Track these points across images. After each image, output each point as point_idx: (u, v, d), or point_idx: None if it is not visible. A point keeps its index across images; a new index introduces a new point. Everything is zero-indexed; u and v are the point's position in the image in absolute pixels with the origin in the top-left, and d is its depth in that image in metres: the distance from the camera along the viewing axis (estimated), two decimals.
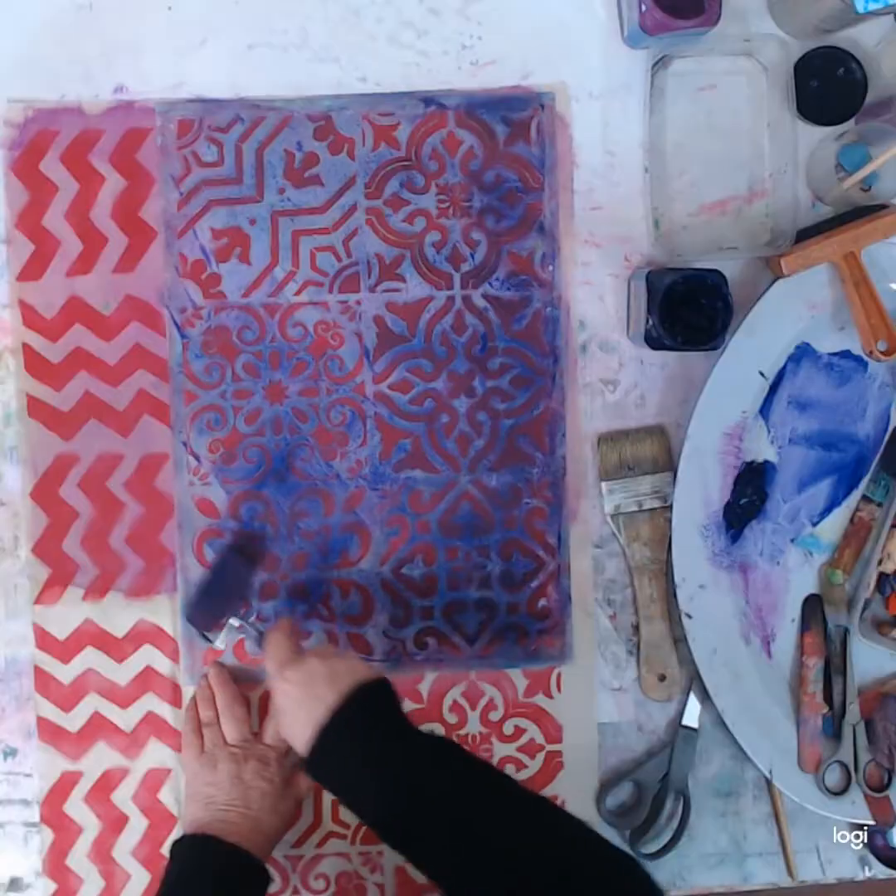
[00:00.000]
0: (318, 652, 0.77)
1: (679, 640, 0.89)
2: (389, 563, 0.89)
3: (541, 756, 0.89)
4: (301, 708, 0.73)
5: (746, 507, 0.89)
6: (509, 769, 0.89)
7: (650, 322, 0.83)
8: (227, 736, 0.85)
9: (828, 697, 0.89)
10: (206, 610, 0.85)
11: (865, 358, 0.87)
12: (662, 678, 0.89)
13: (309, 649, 0.78)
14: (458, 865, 0.66)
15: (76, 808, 0.88)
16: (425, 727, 0.77)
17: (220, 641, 0.85)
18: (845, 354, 0.88)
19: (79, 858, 0.88)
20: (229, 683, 0.87)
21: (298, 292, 0.88)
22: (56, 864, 0.88)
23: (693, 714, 0.89)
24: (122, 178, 0.87)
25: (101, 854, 0.88)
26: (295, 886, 0.89)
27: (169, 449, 0.88)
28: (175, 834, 0.85)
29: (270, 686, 0.79)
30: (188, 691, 0.88)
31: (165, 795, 0.88)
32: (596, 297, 0.89)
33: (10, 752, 0.88)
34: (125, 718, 0.88)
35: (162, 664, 0.88)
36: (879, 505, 0.89)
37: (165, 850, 0.87)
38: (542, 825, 0.68)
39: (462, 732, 0.89)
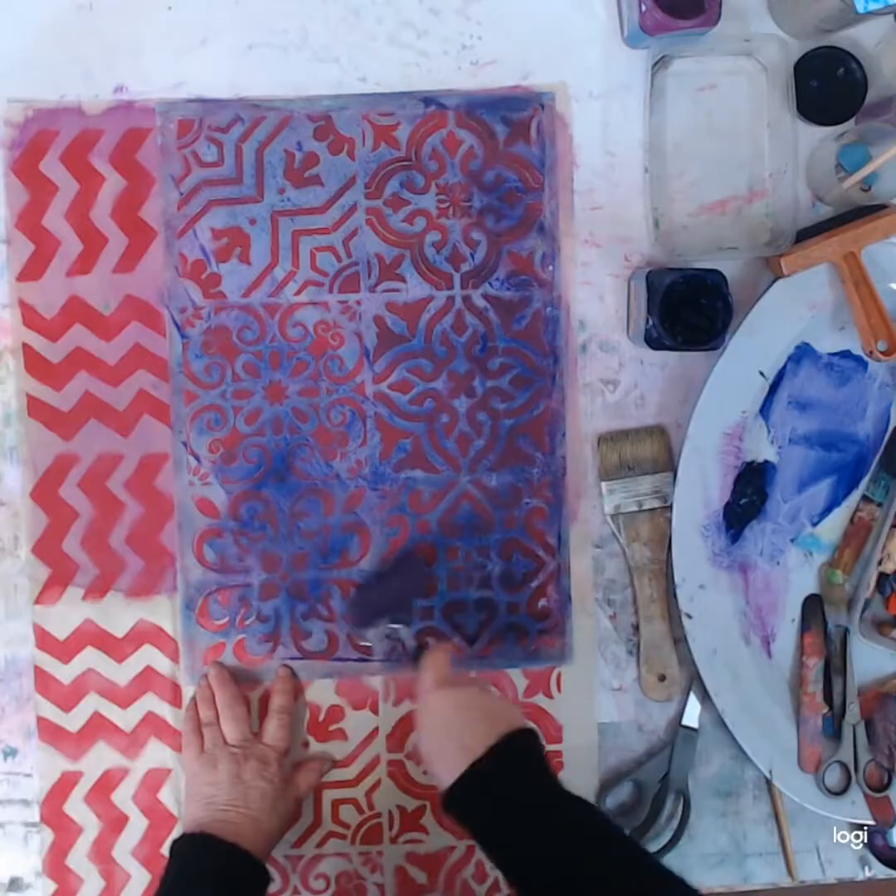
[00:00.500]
0: (478, 682, 0.78)
1: (679, 640, 0.89)
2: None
3: None
4: (451, 733, 0.73)
5: (746, 507, 0.89)
6: None
7: (650, 322, 0.83)
8: (227, 735, 0.85)
9: (828, 697, 0.89)
10: (369, 607, 0.86)
11: (865, 358, 0.87)
12: (662, 678, 0.89)
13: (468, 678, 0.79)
14: None
15: (76, 807, 0.88)
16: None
17: (371, 639, 0.86)
18: (845, 354, 0.88)
19: (79, 858, 0.88)
20: (229, 683, 0.87)
21: (298, 292, 0.88)
22: (56, 864, 0.88)
23: (693, 714, 0.89)
24: (122, 178, 0.87)
25: (101, 854, 0.88)
26: (295, 886, 0.89)
27: (169, 449, 0.88)
28: (175, 834, 0.85)
29: (422, 700, 0.78)
30: (188, 691, 0.88)
31: (165, 795, 0.88)
32: (596, 297, 0.89)
33: (10, 752, 0.88)
34: (125, 718, 0.88)
35: (162, 664, 0.88)
36: (879, 505, 0.89)
37: (165, 849, 0.87)
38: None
39: None
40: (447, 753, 0.72)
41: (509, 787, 0.70)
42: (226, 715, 0.85)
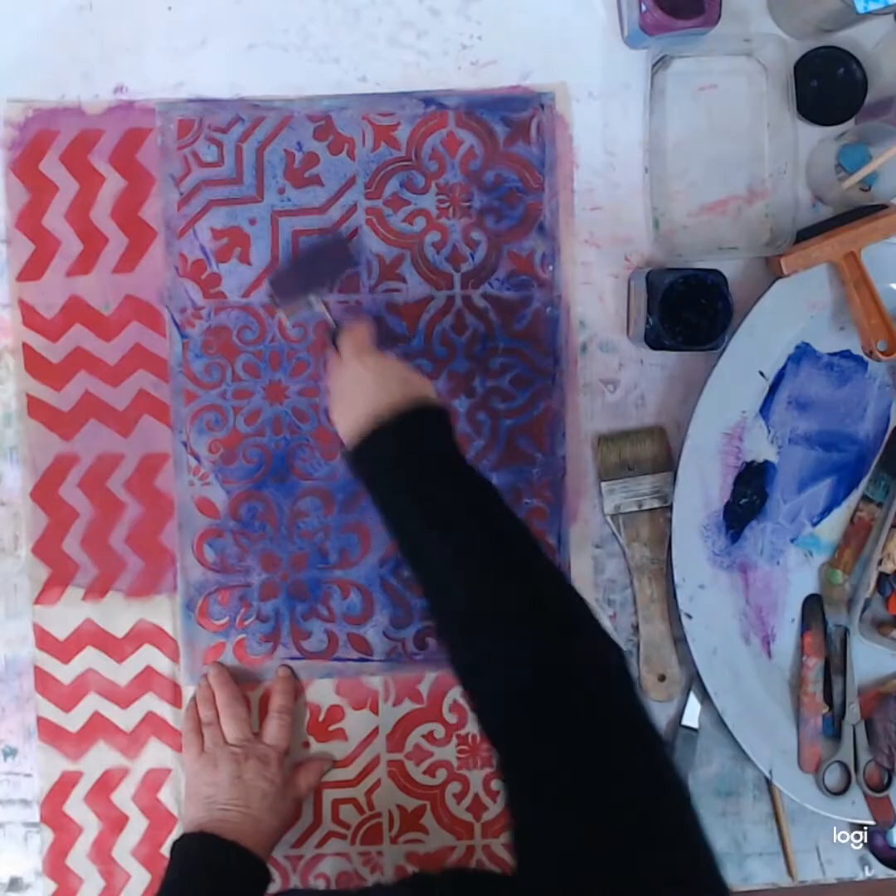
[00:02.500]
0: (395, 356, 0.77)
1: (679, 640, 0.89)
2: (389, 563, 0.89)
3: None
4: (364, 394, 0.72)
5: (746, 507, 0.89)
6: None
7: (650, 322, 0.83)
8: (227, 735, 0.85)
9: (828, 697, 0.89)
10: (293, 280, 0.84)
11: (865, 358, 0.87)
12: (662, 678, 0.89)
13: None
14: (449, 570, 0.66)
15: (76, 807, 0.88)
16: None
17: (291, 317, 0.85)
18: (845, 354, 0.88)
19: (79, 858, 0.88)
20: (230, 683, 0.87)
21: None
22: (56, 864, 0.88)
23: (693, 714, 0.89)
24: (122, 178, 0.87)
25: (102, 854, 0.88)
26: (295, 886, 0.89)
27: (169, 449, 0.88)
28: (175, 833, 0.85)
29: (338, 368, 0.77)
30: (188, 691, 0.88)
31: (165, 795, 0.88)
32: (596, 297, 0.89)
33: (10, 752, 0.88)
34: (125, 718, 0.88)
35: (162, 664, 0.88)
36: (879, 505, 0.89)
37: (166, 849, 0.87)
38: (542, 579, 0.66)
39: (462, 732, 0.89)
40: (357, 413, 0.71)
41: (413, 449, 0.70)
42: (226, 714, 0.85)
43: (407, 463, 0.69)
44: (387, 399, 0.71)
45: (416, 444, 0.70)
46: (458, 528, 0.67)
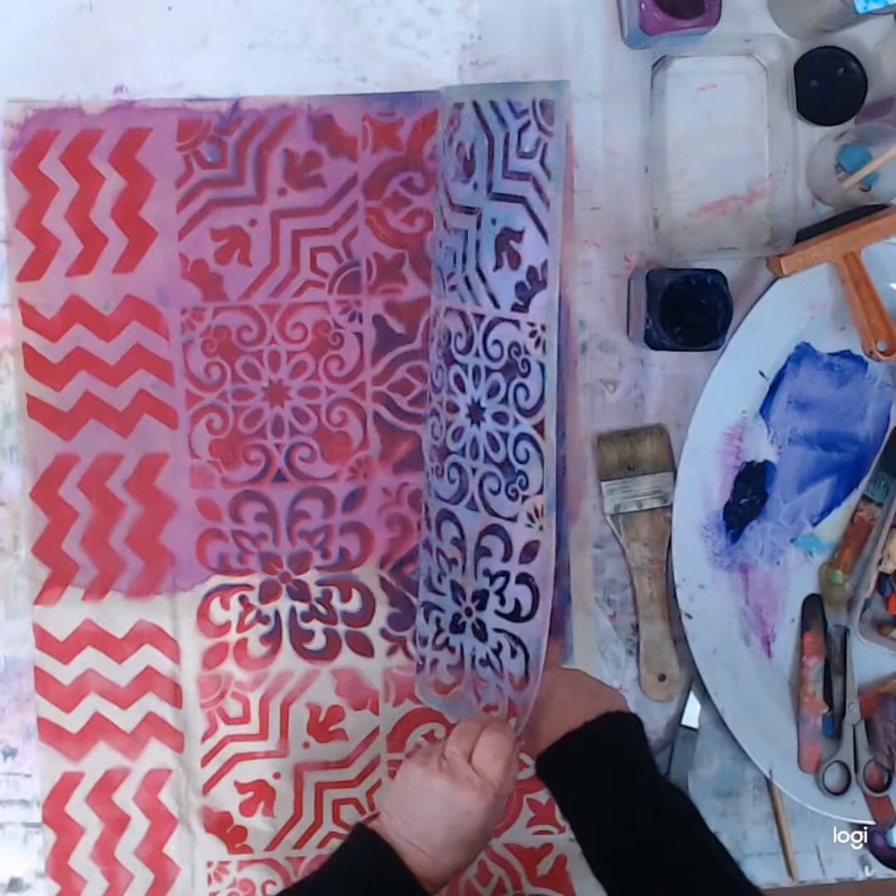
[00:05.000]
0: (582, 671, 0.80)
1: (679, 640, 0.89)
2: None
3: None
4: (553, 707, 0.74)
5: (746, 507, 0.89)
6: None
7: (650, 322, 0.83)
8: (476, 760, 0.72)
9: (828, 697, 0.89)
10: None
11: (865, 358, 0.87)
12: (662, 678, 0.89)
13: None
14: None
15: (78, 808, 0.88)
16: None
17: None
18: (845, 354, 0.88)
19: (82, 859, 0.88)
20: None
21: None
22: (59, 865, 0.88)
23: (693, 714, 0.89)
24: (122, 178, 0.87)
25: (104, 855, 0.88)
26: None
27: (169, 449, 0.88)
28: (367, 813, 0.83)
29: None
30: (188, 691, 0.88)
31: (166, 796, 0.88)
32: (596, 297, 0.89)
33: (10, 753, 0.88)
34: (125, 719, 0.88)
35: (162, 664, 0.88)
36: (879, 505, 0.89)
37: (168, 849, 0.87)
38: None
39: None
40: (547, 725, 0.73)
41: (602, 759, 0.71)
42: (488, 742, 0.72)
43: (597, 772, 0.70)
44: (577, 713, 0.72)
45: (608, 755, 0.71)
46: (659, 846, 0.67)
